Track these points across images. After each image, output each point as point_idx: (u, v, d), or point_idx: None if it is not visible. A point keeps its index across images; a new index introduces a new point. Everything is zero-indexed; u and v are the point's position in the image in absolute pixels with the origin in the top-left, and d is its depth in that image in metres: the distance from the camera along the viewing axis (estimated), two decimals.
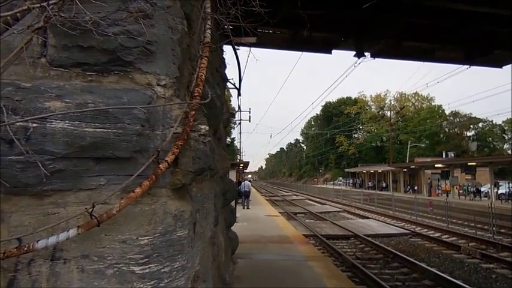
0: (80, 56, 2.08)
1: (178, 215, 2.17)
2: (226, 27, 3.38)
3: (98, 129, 1.97)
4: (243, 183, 23.35)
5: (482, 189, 32.15)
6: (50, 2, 1.82)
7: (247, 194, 22.48)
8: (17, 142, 1.79)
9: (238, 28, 3.40)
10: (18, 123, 1.83)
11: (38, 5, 1.82)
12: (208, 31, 2.93)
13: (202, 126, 2.45)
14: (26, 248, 1.76)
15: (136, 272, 1.97)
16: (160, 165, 2.05)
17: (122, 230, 2.00)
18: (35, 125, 1.87)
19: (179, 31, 2.39)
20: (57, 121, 1.91)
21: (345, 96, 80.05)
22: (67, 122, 1.92)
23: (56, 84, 2.01)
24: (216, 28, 3.47)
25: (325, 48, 9.07)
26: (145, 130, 2.10)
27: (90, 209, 1.84)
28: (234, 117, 26.54)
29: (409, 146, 54.58)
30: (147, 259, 2.00)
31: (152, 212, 2.09)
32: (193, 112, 2.32)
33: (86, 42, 2.05)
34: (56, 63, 2.08)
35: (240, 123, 35.11)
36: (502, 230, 15.82)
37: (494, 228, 15.39)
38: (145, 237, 2.03)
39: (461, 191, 33.43)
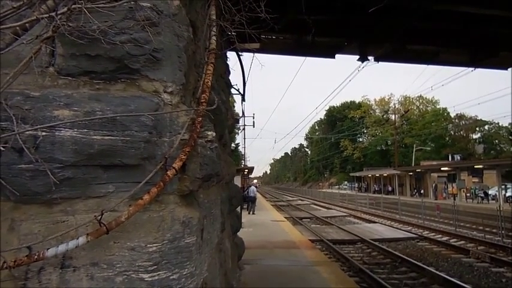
0: (87, 65, 2.11)
1: (187, 221, 2.17)
2: (230, 33, 3.40)
3: (106, 137, 1.99)
4: (248, 188, 23.33)
5: (489, 192, 31.79)
6: (58, 12, 1.84)
7: (252, 200, 22.43)
8: (27, 151, 1.81)
9: (242, 34, 3.42)
10: (27, 132, 1.85)
11: (47, 15, 1.84)
12: (214, 38, 2.95)
13: (209, 133, 2.46)
14: (36, 256, 1.76)
15: (146, 279, 1.97)
16: (168, 172, 2.05)
17: (131, 237, 2.00)
18: (44, 133, 1.89)
19: (185, 38, 2.41)
20: (66, 129, 1.93)
21: (348, 101, 79.98)
22: (75, 130, 1.94)
23: (64, 92, 2.03)
24: (221, 34, 3.49)
25: (329, 52, 9.07)
26: (153, 137, 2.11)
27: (99, 217, 1.84)
28: (238, 123, 26.59)
29: (414, 150, 54.26)
30: (155, 266, 2.00)
31: (160, 218, 2.09)
32: (200, 118, 2.33)
33: (93, 51, 2.07)
34: (64, 72, 2.10)
35: (244, 129, 35.21)
36: (511, 233, 15.61)
37: (503, 232, 15.20)
38: (154, 244, 2.03)
39: (468, 194, 33.10)
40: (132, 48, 2.11)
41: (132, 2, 2.09)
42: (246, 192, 21.90)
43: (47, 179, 1.85)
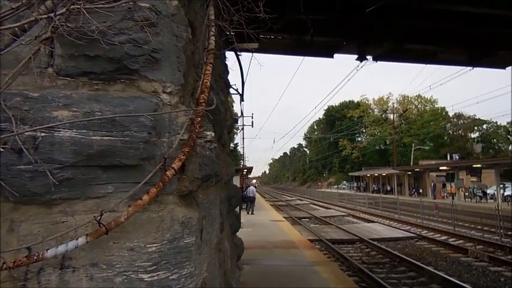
0: (86, 65, 2.11)
1: (186, 221, 2.17)
2: (229, 33, 3.41)
3: (105, 138, 1.99)
4: (247, 188, 23.35)
5: (488, 191, 31.85)
6: (57, 13, 1.84)
7: (251, 200, 22.44)
8: (26, 151, 1.81)
9: (241, 34, 3.42)
10: (26, 133, 1.85)
11: (46, 15, 1.84)
12: (213, 38, 2.95)
13: (208, 133, 2.46)
14: (35, 257, 1.76)
15: (145, 279, 1.97)
16: (167, 172, 2.06)
17: (130, 237, 2.00)
18: (43, 134, 1.89)
19: (184, 38, 2.41)
20: (65, 130, 1.93)
21: (347, 100, 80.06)
22: (74, 130, 1.94)
23: (63, 93, 2.03)
24: (220, 34, 3.50)
25: (327, 52, 9.09)
26: (152, 137, 2.11)
27: (99, 217, 1.84)
28: (237, 123, 26.57)
29: (413, 149, 54.35)
30: (155, 266, 2.00)
31: (160, 219, 2.09)
32: (199, 119, 2.33)
33: (92, 52, 2.07)
34: (63, 73, 2.10)
35: (243, 129, 35.21)
36: (510, 233, 15.64)
37: (501, 231, 15.23)
38: (153, 245, 2.03)
39: (467, 193, 33.17)
40: (131, 48, 2.11)
41: (131, 3, 2.08)
42: (245, 192, 21.91)
43: (46, 180, 1.85)
